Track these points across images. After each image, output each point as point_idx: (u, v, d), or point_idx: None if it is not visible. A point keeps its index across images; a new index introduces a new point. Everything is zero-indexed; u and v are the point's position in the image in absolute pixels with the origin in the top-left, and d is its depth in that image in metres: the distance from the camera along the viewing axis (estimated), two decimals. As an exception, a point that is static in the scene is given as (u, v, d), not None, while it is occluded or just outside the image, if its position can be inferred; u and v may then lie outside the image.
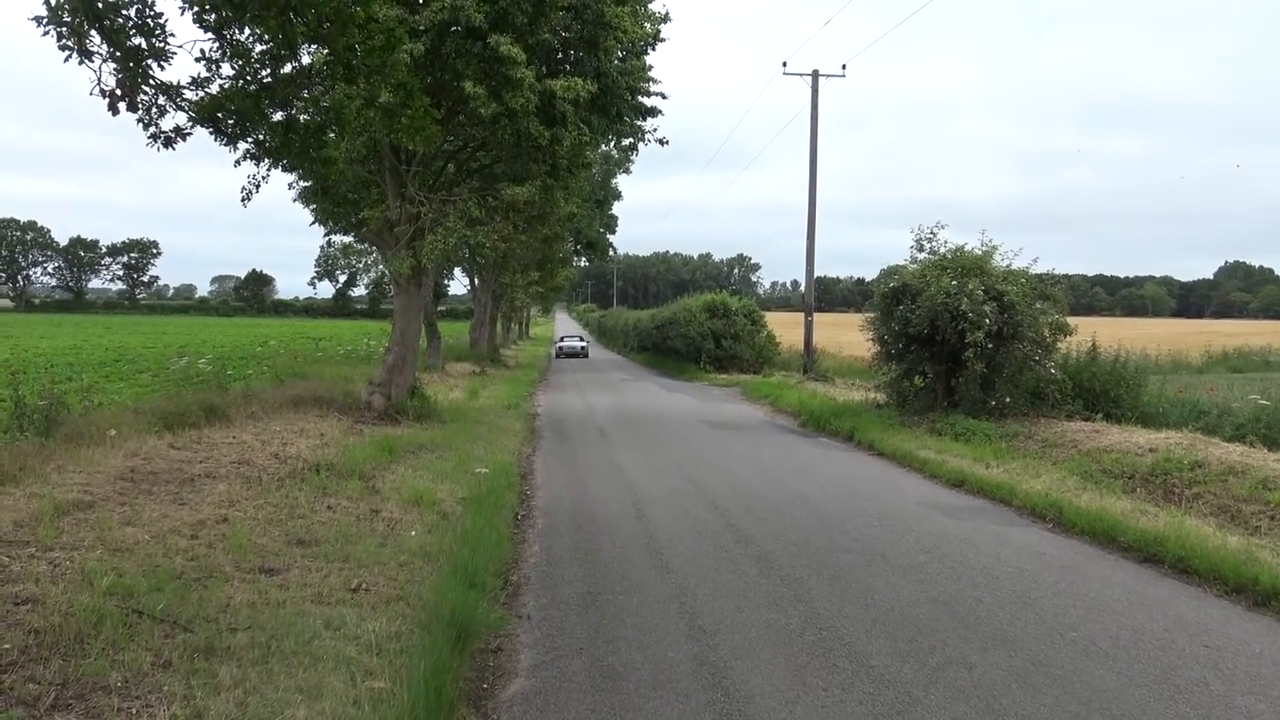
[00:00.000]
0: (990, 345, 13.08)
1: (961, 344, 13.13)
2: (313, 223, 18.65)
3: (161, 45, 6.80)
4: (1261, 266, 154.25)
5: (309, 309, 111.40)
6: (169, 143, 7.80)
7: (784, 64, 24.40)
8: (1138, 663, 4.86)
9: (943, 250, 14.89)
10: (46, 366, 21.09)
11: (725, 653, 4.97)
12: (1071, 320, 14.34)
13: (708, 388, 25.40)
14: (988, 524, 8.20)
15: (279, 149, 8.96)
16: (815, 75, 24.39)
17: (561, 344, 48.38)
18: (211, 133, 8.89)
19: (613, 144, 14.89)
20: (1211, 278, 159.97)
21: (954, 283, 13.52)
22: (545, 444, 13.53)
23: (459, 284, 35.93)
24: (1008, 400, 13.42)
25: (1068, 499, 8.62)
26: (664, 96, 13.88)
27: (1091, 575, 6.59)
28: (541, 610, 5.69)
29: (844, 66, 24.75)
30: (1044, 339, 13.70)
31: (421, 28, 10.77)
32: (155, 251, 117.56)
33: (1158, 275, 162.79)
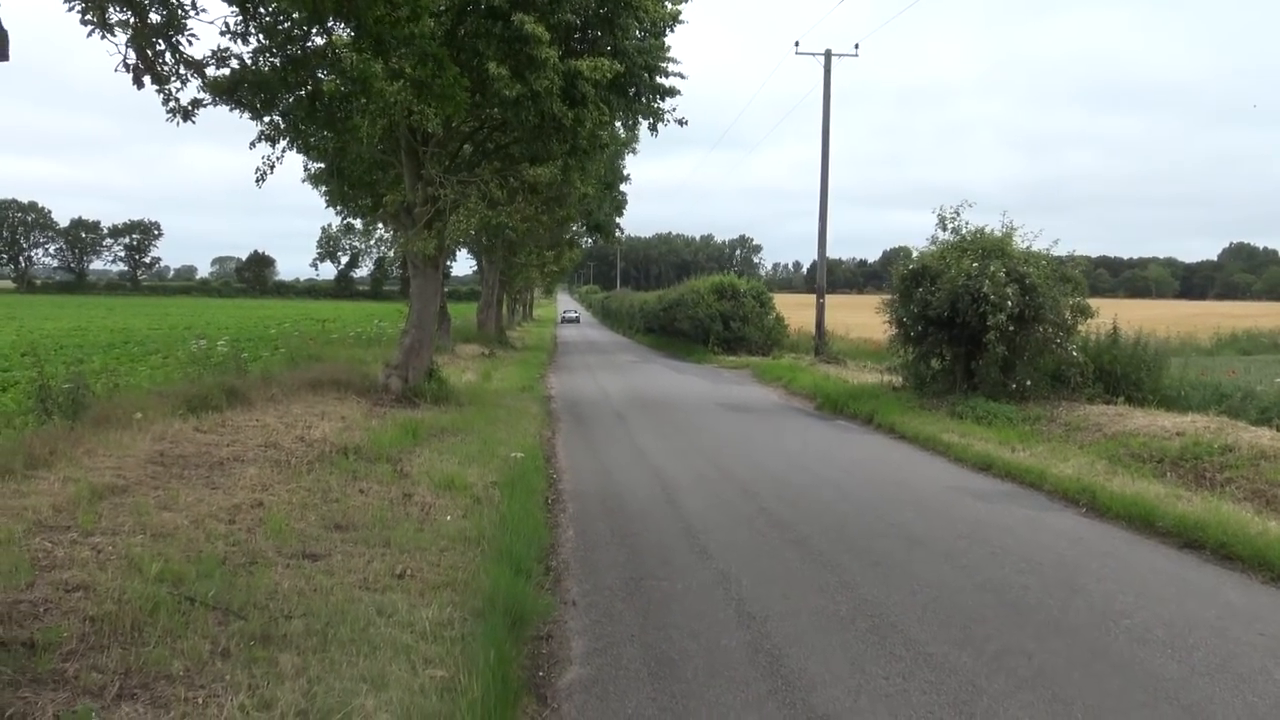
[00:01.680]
0: (1011, 328, 13.02)
1: (983, 326, 13.06)
2: (327, 206, 18.54)
3: (184, 18, 6.74)
4: (1265, 248, 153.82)
5: (311, 290, 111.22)
6: (187, 115, 7.75)
7: (796, 43, 24.34)
8: (1196, 650, 4.81)
9: (965, 231, 14.80)
10: (54, 349, 21.04)
11: (779, 640, 4.92)
12: (1080, 302, 14.23)
13: (718, 370, 25.32)
14: (1021, 509, 8.15)
15: (304, 119, 8.86)
16: (828, 55, 24.23)
17: (564, 315, 72.08)
18: (233, 107, 8.81)
19: (628, 124, 14.73)
20: (1215, 259, 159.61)
21: (975, 265, 13.43)
22: (564, 427, 13.47)
23: (463, 265, 35.95)
24: (1028, 383, 13.37)
25: (1099, 483, 8.56)
26: (683, 77, 13.75)
27: (1134, 561, 6.54)
28: (587, 596, 5.64)
29: (856, 46, 24.60)
30: (1065, 321, 13.62)
31: (441, 7, 10.65)
32: (157, 233, 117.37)
33: (1161, 257, 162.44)
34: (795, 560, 6.45)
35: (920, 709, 4.09)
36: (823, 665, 4.58)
